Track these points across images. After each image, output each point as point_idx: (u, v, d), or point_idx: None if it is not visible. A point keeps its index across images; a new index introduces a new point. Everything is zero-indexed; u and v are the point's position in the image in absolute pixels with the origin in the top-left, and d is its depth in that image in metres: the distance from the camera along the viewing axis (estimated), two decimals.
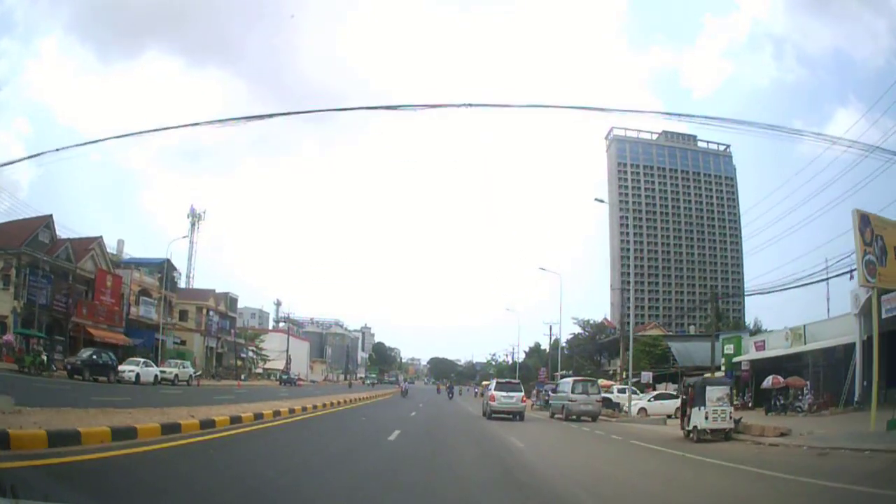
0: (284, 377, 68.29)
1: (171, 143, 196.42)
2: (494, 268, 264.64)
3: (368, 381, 71.81)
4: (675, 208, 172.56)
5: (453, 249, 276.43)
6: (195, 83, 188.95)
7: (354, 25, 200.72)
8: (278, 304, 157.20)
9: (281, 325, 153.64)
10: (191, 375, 43.10)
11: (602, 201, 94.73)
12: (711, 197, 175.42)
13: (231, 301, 77.94)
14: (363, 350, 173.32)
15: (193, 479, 8.05)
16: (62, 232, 48.35)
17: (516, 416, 28.82)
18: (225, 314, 75.39)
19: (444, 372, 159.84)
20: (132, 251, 69.18)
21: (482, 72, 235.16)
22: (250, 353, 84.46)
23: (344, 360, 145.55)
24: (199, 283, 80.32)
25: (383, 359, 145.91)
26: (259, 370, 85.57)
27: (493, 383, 32.61)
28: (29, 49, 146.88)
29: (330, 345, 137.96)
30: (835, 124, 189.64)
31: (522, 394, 31.06)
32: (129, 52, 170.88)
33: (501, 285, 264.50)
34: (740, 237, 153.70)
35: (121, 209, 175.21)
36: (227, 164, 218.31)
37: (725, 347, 50.03)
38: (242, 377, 68.02)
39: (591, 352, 68.10)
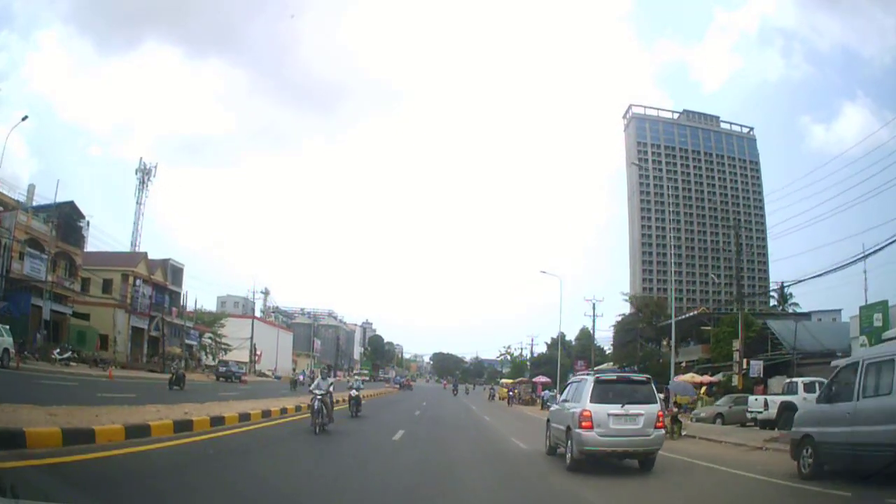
0: (223, 370, 47.89)
1: (170, 133, 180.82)
2: (503, 261, 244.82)
3: (301, 376, 45.72)
4: (698, 192, 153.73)
5: (459, 244, 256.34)
6: (196, 74, 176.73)
7: (359, 14, 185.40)
8: (266, 292, 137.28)
9: (271, 317, 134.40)
10: (6, 349, 24.22)
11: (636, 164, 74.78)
12: (736, 181, 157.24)
13: (174, 271, 57.61)
14: (361, 344, 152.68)
15: None
16: None
17: (639, 460, 11.60)
18: (163, 287, 55.14)
19: (448, 369, 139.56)
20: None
21: (487, 64, 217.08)
22: (207, 341, 64.57)
23: (341, 354, 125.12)
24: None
25: (380, 353, 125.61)
26: (220, 360, 65.89)
27: (588, 384, 11.66)
28: (28, 42, 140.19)
29: (321, 337, 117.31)
30: (843, 119, 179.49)
31: (658, 407, 11.45)
32: (127, 42, 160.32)
33: (510, 279, 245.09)
34: (765, 224, 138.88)
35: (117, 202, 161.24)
36: (228, 156, 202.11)
37: (866, 320, 30.52)
38: (173, 368, 47.87)
39: (650, 337, 47.76)
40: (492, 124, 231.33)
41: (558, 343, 55.27)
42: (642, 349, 46.35)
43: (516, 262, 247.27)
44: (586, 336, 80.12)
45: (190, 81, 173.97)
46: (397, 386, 69.63)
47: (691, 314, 45.54)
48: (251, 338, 62.29)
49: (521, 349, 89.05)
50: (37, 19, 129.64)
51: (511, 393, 46.84)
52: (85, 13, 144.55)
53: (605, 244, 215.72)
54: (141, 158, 67.86)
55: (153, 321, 52.93)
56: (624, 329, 47.93)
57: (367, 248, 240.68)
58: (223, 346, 63.51)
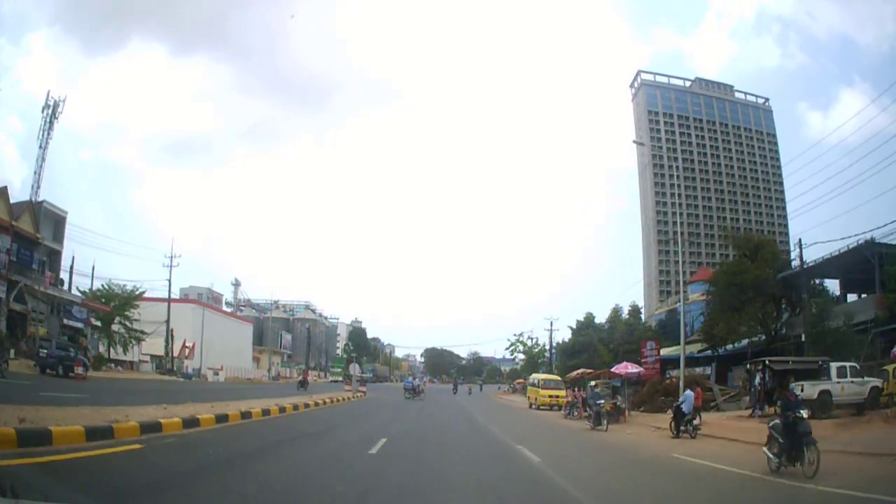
0: (43, 354, 27.87)
1: (156, 131, 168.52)
2: (500, 253, 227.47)
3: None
4: (715, 165, 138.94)
5: (452, 239, 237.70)
6: (186, 71, 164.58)
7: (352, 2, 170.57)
8: (236, 283, 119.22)
9: (240, 311, 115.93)
10: None
11: (641, 143, 59.00)
12: (754, 154, 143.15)
13: (52, 220, 39.60)
14: (349, 341, 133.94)
15: None
16: None
17: None
18: (32, 240, 37.19)
19: (442, 367, 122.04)
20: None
21: (478, 53, 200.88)
22: (117, 327, 46.81)
23: (319, 351, 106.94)
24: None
25: (363, 350, 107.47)
26: (137, 354, 48.25)
27: None
28: (19, 47, 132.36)
29: (293, 331, 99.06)
30: (841, 105, 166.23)
31: None
32: (115, 41, 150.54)
33: (508, 271, 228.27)
34: (784, 200, 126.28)
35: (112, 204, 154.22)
36: (213, 153, 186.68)
37: None
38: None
39: (770, 294, 29.88)
40: (482, 108, 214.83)
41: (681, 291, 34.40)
42: (763, 311, 29.22)
43: (514, 253, 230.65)
44: (617, 317, 63.10)
45: (176, 79, 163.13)
46: (355, 390, 41.03)
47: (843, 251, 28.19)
48: (167, 320, 44.88)
49: (535, 339, 71.40)
50: (24, 22, 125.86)
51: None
52: (70, 13, 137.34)
53: (611, 228, 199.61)
54: (48, 92, 49.78)
55: (14, 289, 34.92)
56: (729, 283, 30.37)
57: (358, 247, 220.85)
58: (135, 334, 45.76)
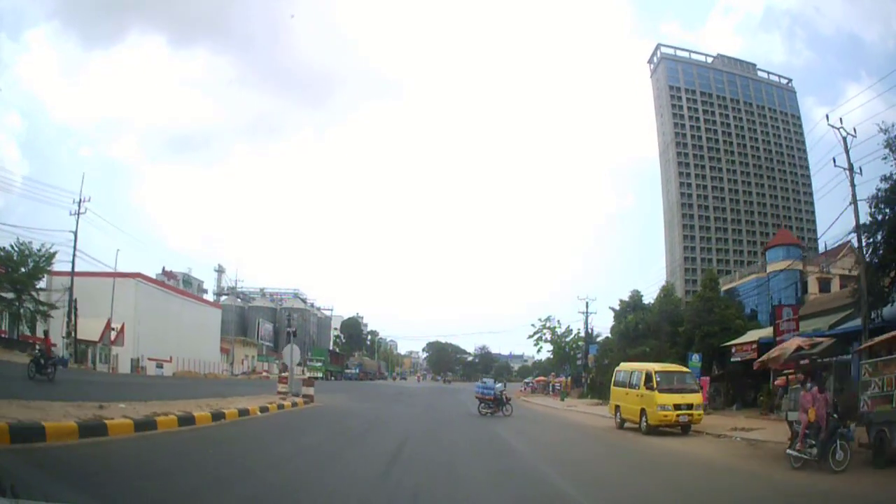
0: None
1: (155, 125, 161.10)
2: (508, 251, 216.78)
3: None
4: (740, 146, 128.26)
5: (457, 235, 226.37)
6: (186, 63, 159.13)
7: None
8: (220, 270, 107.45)
9: (223, 299, 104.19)
10: None
11: None
12: (779, 135, 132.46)
13: None
14: (340, 332, 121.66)
15: None
16: None
17: None
18: None
19: (447, 363, 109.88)
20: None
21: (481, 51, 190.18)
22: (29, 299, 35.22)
23: (307, 344, 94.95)
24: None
25: (357, 342, 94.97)
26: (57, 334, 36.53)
27: None
28: (18, 42, 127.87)
29: (279, 321, 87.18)
30: (847, 102, 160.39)
31: None
32: (115, 33, 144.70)
33: (517, 268, 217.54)
34: (811, 183, 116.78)
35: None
36: (214, 148, 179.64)
37: None
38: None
39: None
40: (482, 98, 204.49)
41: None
42: None
43: (518, 248, 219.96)
44: (670, 297, 50.87)
45: (176, 71, 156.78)
46: (290, 393, 22.49)
47: None
48: (69, 289, 33.19)
49: (567, 326, 58.71)
50: (23, 18, 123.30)
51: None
52: (68, 7, 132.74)
53: (620, 221, 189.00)
54: None
55: None
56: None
57: (361, 243, 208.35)
58: (42, 308, 34.13)
